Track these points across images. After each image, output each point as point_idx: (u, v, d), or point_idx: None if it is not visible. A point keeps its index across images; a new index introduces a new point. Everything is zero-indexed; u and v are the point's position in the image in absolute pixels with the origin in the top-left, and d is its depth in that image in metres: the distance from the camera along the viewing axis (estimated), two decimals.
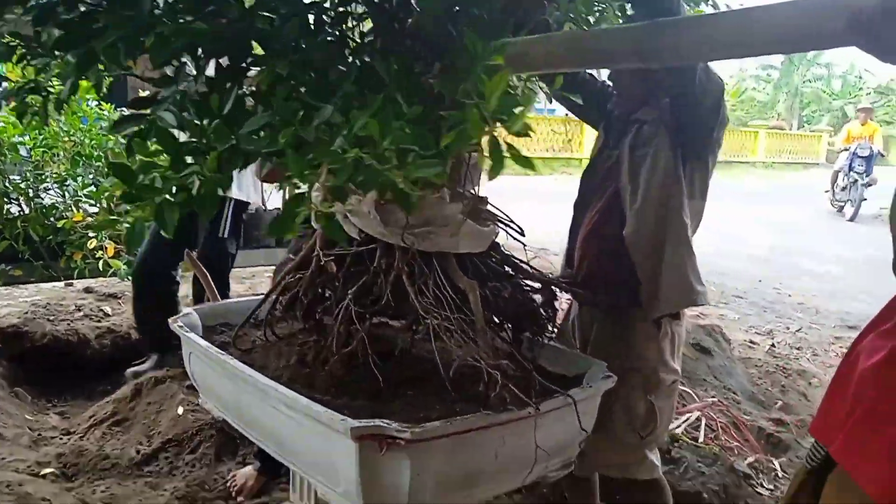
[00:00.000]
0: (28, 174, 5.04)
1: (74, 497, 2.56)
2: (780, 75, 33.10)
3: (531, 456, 1.55)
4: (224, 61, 1.33)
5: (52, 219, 4.89)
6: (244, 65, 1.28)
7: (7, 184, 4.97)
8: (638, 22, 1.48)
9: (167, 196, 1.09)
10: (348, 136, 0.98)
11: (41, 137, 4.99)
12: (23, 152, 5.01)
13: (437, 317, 1.56)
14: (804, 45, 1.25)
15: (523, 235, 1.87)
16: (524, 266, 1.89)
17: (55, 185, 5.05)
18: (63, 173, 5.01)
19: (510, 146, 1.10)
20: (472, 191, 1.81)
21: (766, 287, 7.23)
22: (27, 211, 5.02)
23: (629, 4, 1.78)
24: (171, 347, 3.34)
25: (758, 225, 10.80)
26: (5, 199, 4.96)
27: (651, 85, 2.07)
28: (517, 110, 1.08)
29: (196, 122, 1.21)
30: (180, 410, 3.08)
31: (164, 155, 1.16)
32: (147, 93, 1.35)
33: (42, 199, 5.04)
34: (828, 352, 5.24)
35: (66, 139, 5.01)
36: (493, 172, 1.13)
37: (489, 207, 1.82)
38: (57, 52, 1.35)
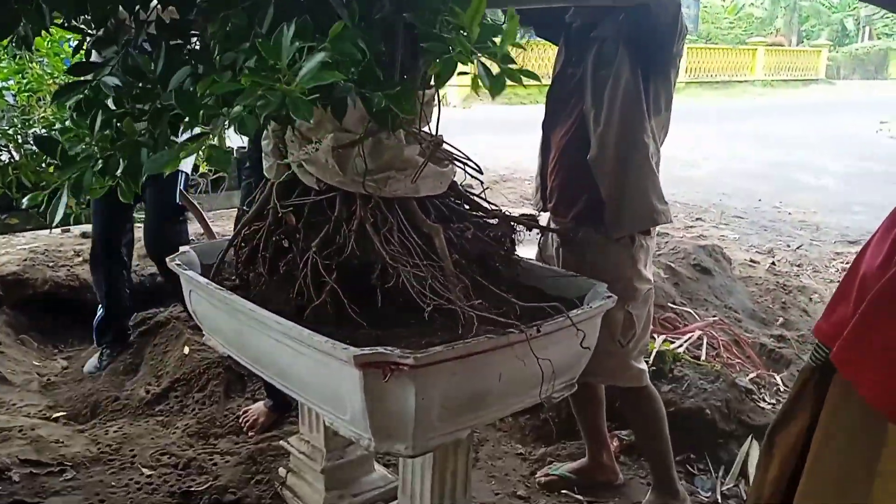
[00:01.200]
0: (15, 120, 4.95)
1: (87, 438, 2.60)
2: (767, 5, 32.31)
3: (535, 377, 1.55)
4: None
5: (42, 164, 4.83)
6: (190, 19, 1.22)
7: None
8: None
9: (89, 166, 1.05)
10: (256, 68, 0.93)
11: (25, 82, 4.88)
12: (8, 98, 4.90)
13: (405, 264, 1.54)
14: None
15: (481, 173, 1.86)
16: (483, 203, 1.87)
17: (43, 131, 4.97)
18: (50, 117, 4.92)
19: (503, 66, 1.07)
20: (427, 129, 1.77)
21: (766, 206, 7.21)
22: (17, 158, 4.94)
23: None
24: (122, 336, 3.37)
25: (756, 142, 10.72)
26: None
27: None
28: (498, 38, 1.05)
29: (132, 84, 1.16)
30: (186, 350, 3.10)
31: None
32: None
33: (31, 144, 4.97)
34: (828, 268, 5.25)
35: (51, 82, 4.89)
36: (495, 92, 1.12)
37: (445, 146, 1.79)
38: None
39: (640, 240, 2.16)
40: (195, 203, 3.86)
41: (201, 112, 0.96)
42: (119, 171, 1.08)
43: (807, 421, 1.31)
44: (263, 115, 0.94)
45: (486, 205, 1.88)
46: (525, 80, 1.15)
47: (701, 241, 4.82)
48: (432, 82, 1.65)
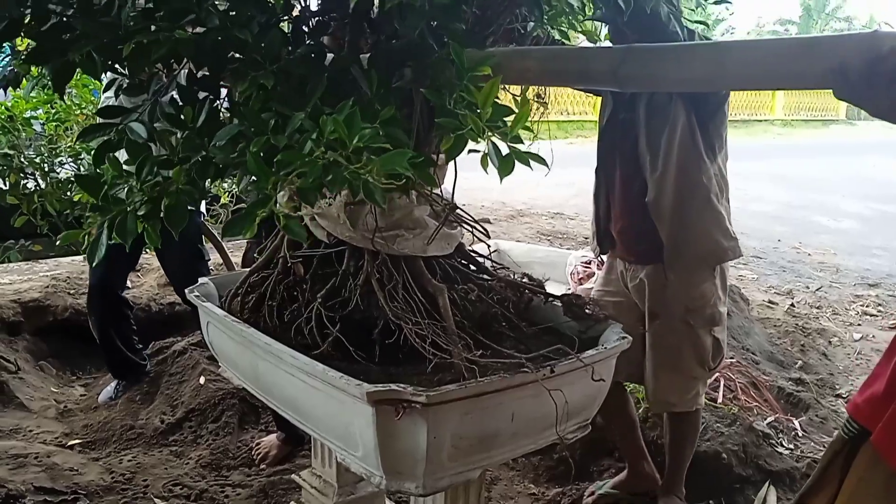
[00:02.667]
0: (42, 149, 5.05)
1: (101, 466, 2.62)
2: (798, 30, 32.41)
3: (548, 418, 1.55)
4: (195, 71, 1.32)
5: (68, 193, 4.91)
6: (221, 75, 1.27)
7: (23, 159, 4.98)
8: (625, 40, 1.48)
9: (131, 208, 1.09)
10: (317, 140, 0.98)
11: (53, 112, 4.99)
12: (36, 127, 5.01)
13: (408, 321, 1.57)
14: (779, 84, 1.27)
15: (488, 237, 1.89)
16: (489, 267, 1.92)
17: (70, 159, 5.07)
18: (77, 147, 5.02)
19: (512, 147, 1.11)
20: (438, 192, 1.81)
21: (785, 246, 7.16)
22: (43, 186, 5.04)
23: (624, 24, 1.78)
24: (134, 370, 3.36)
25: (774, 183, 10.68)
26: (21, 175, 4.98)
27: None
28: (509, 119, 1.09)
29: (170, 131, 1.20)
30: (202, 380, 3.12)
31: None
32: None
33: (58, 173, 5.05)
34: (848, 310, 5.19)
35: (79, 112, 5.00)
36: (503, 174, 1.15)
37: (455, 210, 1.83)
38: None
39: (720, 267, 2.22)
40: (215, 234, 3.91)
41: (268, 176, 1.00)
42: (161, 216, 1.12)
43: (835, 491, 1.31)
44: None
45: (492, 268, 1.92)
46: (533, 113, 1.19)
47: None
48: None
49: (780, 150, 15.49)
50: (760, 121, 23.32)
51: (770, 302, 5.04)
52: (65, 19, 1.23)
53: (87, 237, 1.11)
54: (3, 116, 4.48)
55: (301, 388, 1.62)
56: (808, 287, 5.77)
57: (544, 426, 1.59)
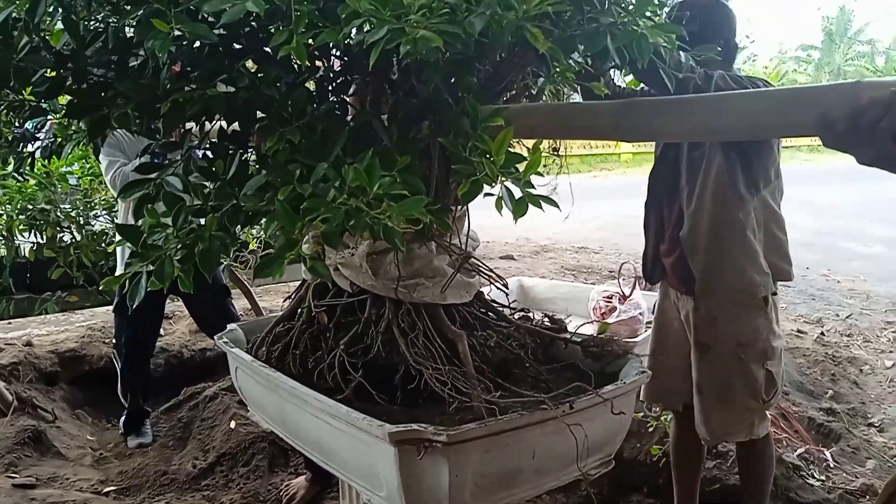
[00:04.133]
0: (78, 202, 5.22)
1: None
2: (820, 55, 32.36)
3: (569, 454, 1.58)
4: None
5: (102, 244, 5.06)
6: (250, 130, 1.37)
7: (59, 213, 5.16)
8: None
9: (168, 254, 1.16)
10: (341, 188, 1.05)
11: (88, 167, 5.17)
12: (72, 181, 5.19)
13: (428, 367, 1.62)
14: (772, 134, 1.33)
15: (506, 288, 1.96)
16: (507, 314, 1.96)
17: (104, 212, 5.23)
18: (111, 199, 5.18)
19: (525, 191, 1.17)
20: (458, 242, 1.88)
21: (814, 274, 7.09)
22: (79, 238, 5.20)
23: (642, 82, 1.85)
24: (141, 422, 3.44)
25: (801, 209, 10.58)
26: (58, 228, 5.15)
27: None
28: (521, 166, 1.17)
29: (202, 185, 1.29)
30: (233, 424, 3.18)
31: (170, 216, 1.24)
32: None
33: (92, 225, 5.22)
34: (879, 338, 5.11)
35: None
36: (517, 216, 1.21)
37: (473, 259, 1.90)
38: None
39: (772, 300, 2.23)
40: (243, 279, 4.00)
41: (294, 222, 1.07)
42: (195, 261, 1.19)
43: None
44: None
45: (509, 315, 1.96)
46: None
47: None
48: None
49: (806, 175, 15.34)
50: (787, 147, 23.19)
51: (799, 331, 4.99)
52: (102, 79, 1.33)
53: (126, 282, 1.18)
54: (40, 173, 4.66)
55: (326, 430, 1.67)
56: (837, 315, 5.70)
57: (566, 463, 1.61)
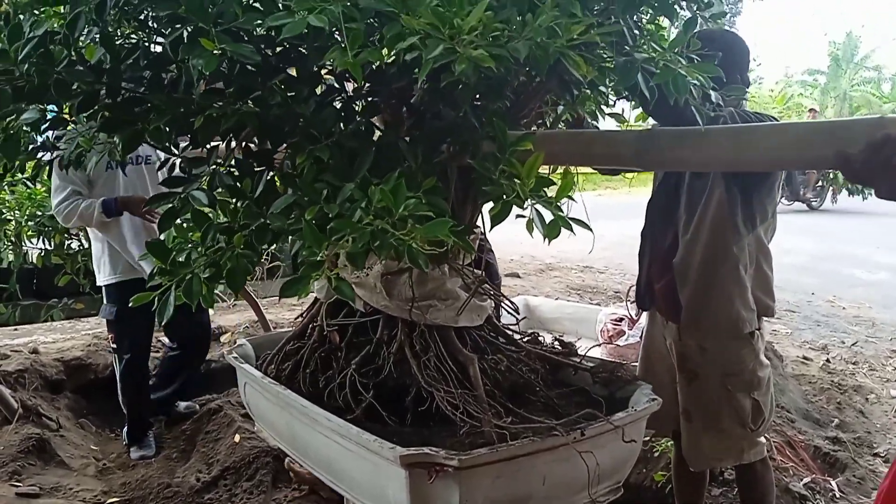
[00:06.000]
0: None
1: None
2: (827, 80, 32.42)
3: (579, 481, 1.57)
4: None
5: None
6: (278, 148, 1.39)
7: None
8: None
9: (198, 271, 1.18)
10: (367, 209, 1.06)
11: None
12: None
13: (439, 389, 1.63)
14: (792, 167, 1.35)
15: (518, 313, 2.00)
16: (516, 338, 1.98)
17: None
18: None
19: (557, 214, 1.19)
20: (470, 267, 1.90)
21: (819, 300, 7.08)
22: (86, 245, 5.21)
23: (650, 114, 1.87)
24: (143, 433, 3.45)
25: (803, 234, 10.58)
26: (65, 235, 5.16)
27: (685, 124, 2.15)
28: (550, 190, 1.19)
29: (228, 201, 1.30)
30: (237, 438, 3.17)
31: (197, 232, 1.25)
32: None
33: None
34: (885, 366, 5.10)
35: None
36: (550, 238, 1.24)
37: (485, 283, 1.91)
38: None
39: (758, 332, 2.23)
40: (250, 291, 4.00)
41: (321, 242, 1.08)
42: (222, 279, 1.21)
43: None
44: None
45: (519, 339, 1.98)
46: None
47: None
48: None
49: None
50: None
51: (805, 358, 4.98)
52: (135, 94, 1.35)
53: (156, 299, 1.19)
54: (48, 180, 4.68)
55: (336, 450, 1.67)
56: (843, 342, 5.68)
57: (576, 489, 1.61)
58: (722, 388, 2.18)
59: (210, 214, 1.33)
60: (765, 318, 2.27)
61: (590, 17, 1.15)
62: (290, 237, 1.27)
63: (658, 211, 2.33)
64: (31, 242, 5.00)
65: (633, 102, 1.93)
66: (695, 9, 1.51)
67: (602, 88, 1.67)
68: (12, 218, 4.90)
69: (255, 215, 1.27)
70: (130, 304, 1.23)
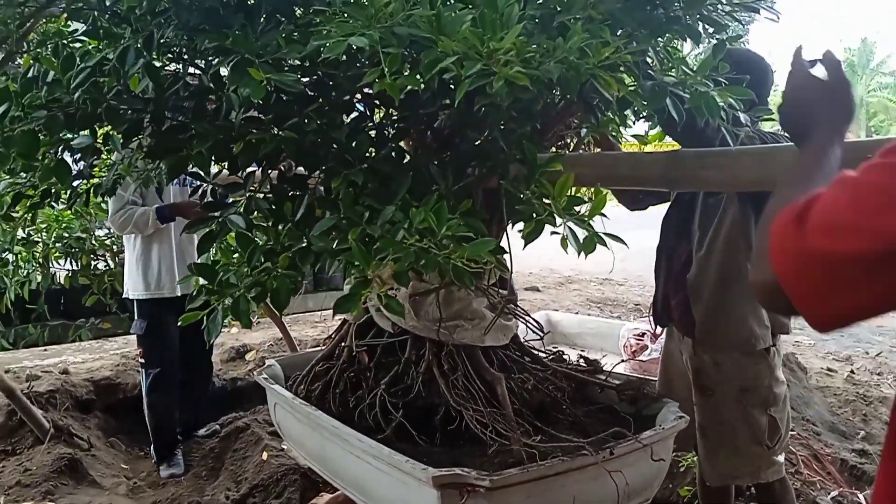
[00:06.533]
0: (112, 231, 5.33)
1: None
2: None
3: (608, 499, 1.59)
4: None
5: None
6: (315, 172, 1.44)
7: (94, 241, 5.27)
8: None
9: (243, 291, 1.22)
10: (410, 229, 1.10)
11: None
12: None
13: (468, 408, 1.66)
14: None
15: (543, 332, 2.02)
16: (542, 356, 2.02)
17: None
18: None
19: (591, 231, 1.22)
20: (496, 287, 1.93)
21: None
22: (112, 266, 5.30)
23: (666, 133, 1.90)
24: (171, 450, 3.51)
25: None
26: (92, 256, 5.25)
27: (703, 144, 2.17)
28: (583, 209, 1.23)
29: (268, 225, 1.36)
30: (265, 456, 3.21)
31: (237, 254, 1.30)
32: None
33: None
34: None
35: None
36: (587, 253, 1.28)
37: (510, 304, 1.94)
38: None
39: (773, 348, 2.23)
40: (274, 310, 4.05)
41: (368, 262, 1.13)
42: (267, 298, 1.26)
43: None
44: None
45: (544, 358, 2.01)
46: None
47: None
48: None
49: None
50: None
51: (829, 369, 4.95)
52: (178, 122, 1.41)
53: (206, 317, 1.24)
54: (84, 207, 4.77)
55: (367, 471, 1.70)
56: (867, 352, 5.64)
57: None
58: (738, 404, 2.18)
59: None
60: (781, 336, 2.28)
61: (619, 40, 1.18)
62: (329, 258, 1.32)
63: (673, 227, 2.34)
64: (58, 263, 5.09)
65: (651, 123, 1.97)
66: (711, 31, 1.54)
67: (626, 112, 1.70)
68: (40, 240, 5.00)
69: (297, 237, 1.32)
70: (180, 324, 1.28)
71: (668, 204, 2.39)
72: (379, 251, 1.11)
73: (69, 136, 1.48)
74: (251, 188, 1.49)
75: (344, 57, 1.33)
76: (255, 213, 1.45)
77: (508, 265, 1.67)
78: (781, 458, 2.29)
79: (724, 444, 2.22)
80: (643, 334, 3.88)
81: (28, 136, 1.30)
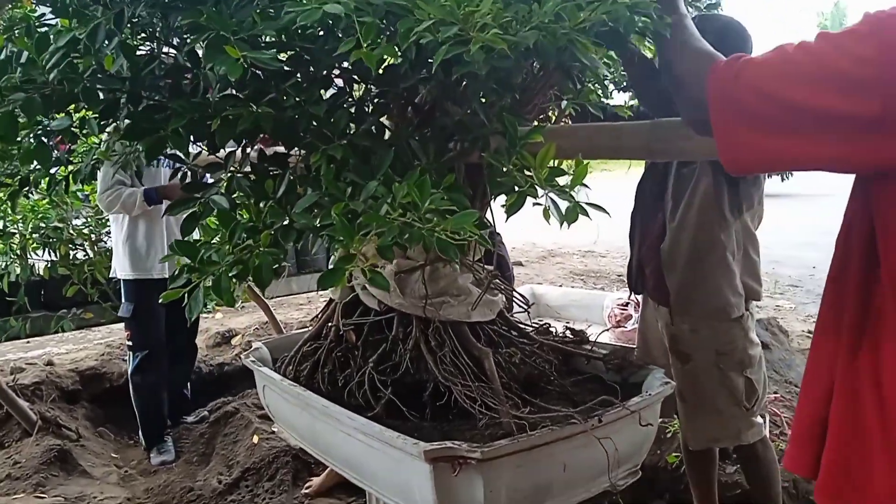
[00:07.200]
0: (90, 219, 5.27)
1: None
2: None
3: (598, 466, 1.61)
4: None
5: None
6: (294, 149, 1.43)
7: (71, 230, 5.20)
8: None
9: (224, 269, 1.22)
10: (393, 204, 1.10)
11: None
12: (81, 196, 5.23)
13: (456, 384, 1.66)
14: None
15: (529, 306, 2.04)
16: (528, 330, 2.02)
17: None
18: None
19: (573, 201, 1.23)
20: (480, 262, 1.93)
21: (821, 273, 7.10)
22: (92, 255, 5.24)
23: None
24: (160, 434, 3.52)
25: (802, 205, 10.60)
26: (71, 245, 5.19)
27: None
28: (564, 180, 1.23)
29: (250, 203, 1.34)
30: (255, 439, 3.21)
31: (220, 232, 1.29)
32: None
33: (105, 242, 5.26)
34: None
35: None
36: (569, 222, 1.28)
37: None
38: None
39: (747, 313, 2.27)
40: (259, 293, 4.03)
41: (352, 237, 1.12)
42: (249, 276, 1.25)
43: None
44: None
45: (531, 332, 2.02)
46: None
47: (756, 314, 4.78)
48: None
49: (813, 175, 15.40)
50: None
51: (810, 332, 5.01)
52: (155, 101, 1.39)
53: (186, 295, 1.23)
54: (63, 193, 4.70)
55: (358, 448, 1.71)
56: None
57: (595, 474, 1.65)
58: (714, 367, 2.22)
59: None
60: (753, 301, 2.31)
61: (593, 4, 1.18)
62: (311, 234, 1.31)
63: (647, 194, 2.36)
64: (36, 254, 5.03)
65: (631, 94, 1.96)
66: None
67: (606, 73, 1.69)
68: (17, 231, 4.93)
69: (279, 214, 1.31)
70: (161, 301, 1.27)
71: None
72: (362, 226, 1.11)
73: (45, 119, 1.46)
74: (231, 168, 1.48)
75: (321, 32, 1.31)
76: (238, 192, 1.43)
77: (493, 240, 1.68)
78: (760, 419, 2.33)
79: (704, 407, 2.25)
80: (626, 304, 3.92)
81: (6, 118, 1.27)
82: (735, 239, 2.20)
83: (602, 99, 1.82)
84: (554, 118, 1.94)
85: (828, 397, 1.03)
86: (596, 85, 1.72)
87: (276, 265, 1.25)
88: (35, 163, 1.53)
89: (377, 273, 1.18)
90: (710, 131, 1.06)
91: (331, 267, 1.52)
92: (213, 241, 1.27)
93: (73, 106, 1.42)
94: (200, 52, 1.42)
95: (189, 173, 1.64)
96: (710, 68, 1.07)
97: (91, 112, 1.42)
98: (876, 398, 0.96)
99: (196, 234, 1.42)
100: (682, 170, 2.18)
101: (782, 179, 12.18)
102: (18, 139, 1.40)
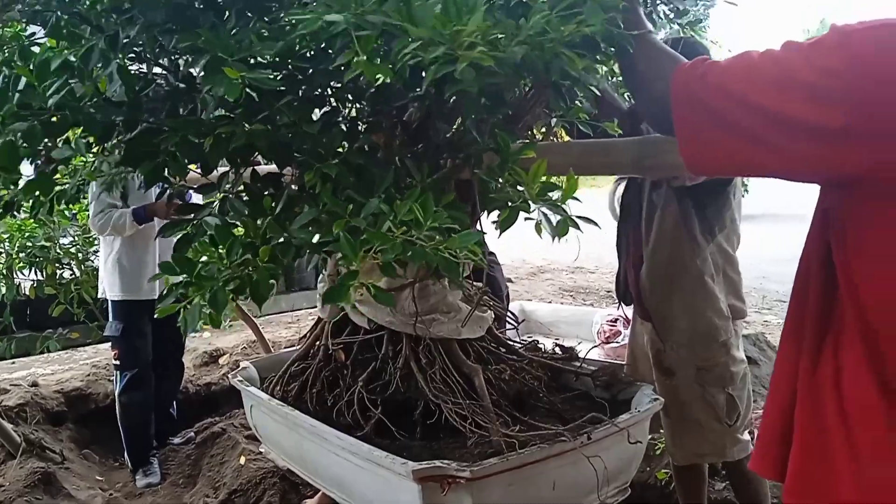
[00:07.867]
0: (77, 238, 5.23)
1: None
2: None
3: (588, 483, 1.61)
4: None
5: None
6: (287, 167, 1.43)
7: (58, 249, 5.16)
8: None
9: (222, 284, 1.21)
10: (395, 221, 1.10)
11: (86, 202, 5.19)
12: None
13: (447, 401, 1.67)
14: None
15: (518, 323, 2.06)
16: (517, 347, 2.04)
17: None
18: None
19: (565, 215, 1.25)
20: (470, 279, 1.93)
21: None
22: (79, 274, 5.20)
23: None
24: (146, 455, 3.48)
25: (786, 223, 10.65)
26: (58, 265, 5.15)
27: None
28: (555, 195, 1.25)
29: (246, 220, 1.34)
30: (242, 460, 3.17)
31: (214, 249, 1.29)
32: None
33: (92, 261, 5.22)
34: None
35: None
36: (561, 235, 1.29)
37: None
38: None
39: (732, 328, 2.26)
40: (247, 312, 4.01)
41: (356, 253, 1.12)
42: (247, 291, 1.25)
43: None
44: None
45: (520, 349, 2.03)
46: None
47: (744, 330, 4.79)
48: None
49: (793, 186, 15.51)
50: None
51: None
52: (151, 124, 1.39)
53: (182, 309, 1.23)
54: (47, 216, 4.68)
55: (347, 468, 1.70)
56: None
57: (585, 492, 1.65)
58: (695, 383, 2.21)
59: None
60: (740, 321, 2.31)
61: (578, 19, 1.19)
62: (310, 251, 1.31)
63: (631, 208, 2.36)
64: (22, 274, 4.99)
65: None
66: (672, 16, 1.55)
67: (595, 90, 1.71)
68: (3, 250, 4.89)
69: (278, 231, 1.32)
70: (156, 317, 1.27)
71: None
72: (365, 243, 1.11)
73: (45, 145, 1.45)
74: (224, 189, 1.48)
75: (313, 51, 1.32)
76: (231, 212, 1.43)
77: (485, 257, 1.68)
78: (746, 435, 2.32)
79: (686, 423, 2.24)
80: (616, 320, 3.92)
81: (7, 147, 1.26)
82: (711, 261, 2.20)
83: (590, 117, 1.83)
84: (542, 137, 1.94)
85: (792, 402, 1.05)
86: (587, 102, 1.73)
87: (274, 280, 1.25)
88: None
89: (380, 288, 1.19)
90: (672, 129, 1.06)
91: (321, 290, 1.52)
92: (204, 258, 1.26)
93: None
94: (194, 72, 1.42)
95: (178, 194, 1.64)
96: (676, 68, 1.08)
97: (86, 135, 1.42)
98: (836, 403, 0.98)
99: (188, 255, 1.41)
100: (652, 195, 2.19)
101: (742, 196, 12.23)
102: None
